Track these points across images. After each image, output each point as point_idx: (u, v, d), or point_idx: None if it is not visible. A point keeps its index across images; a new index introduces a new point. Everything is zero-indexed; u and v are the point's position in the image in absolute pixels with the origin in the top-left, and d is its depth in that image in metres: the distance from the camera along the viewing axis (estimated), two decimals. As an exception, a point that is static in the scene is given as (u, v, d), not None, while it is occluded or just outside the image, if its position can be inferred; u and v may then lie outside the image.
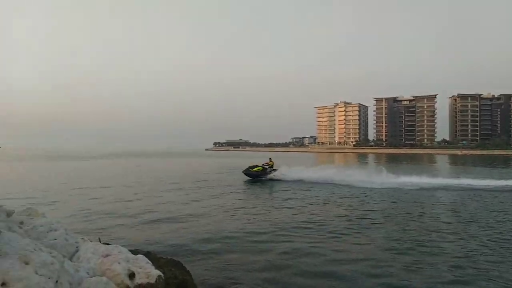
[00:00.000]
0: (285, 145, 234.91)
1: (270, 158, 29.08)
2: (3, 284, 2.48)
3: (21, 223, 4.37)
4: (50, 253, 3.11)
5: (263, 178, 26.82)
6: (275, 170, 27.68)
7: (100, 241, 5.10)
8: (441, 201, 17.37)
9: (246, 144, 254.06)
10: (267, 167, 27.66)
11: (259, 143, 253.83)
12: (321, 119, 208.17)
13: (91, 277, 3.41)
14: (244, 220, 12.27)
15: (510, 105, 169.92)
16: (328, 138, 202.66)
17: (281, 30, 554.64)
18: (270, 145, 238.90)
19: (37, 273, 2.68)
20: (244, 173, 27.55)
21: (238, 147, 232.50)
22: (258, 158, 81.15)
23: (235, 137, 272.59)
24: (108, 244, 4.68)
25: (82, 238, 4.78)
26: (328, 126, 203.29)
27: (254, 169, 27.46)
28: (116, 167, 44.85)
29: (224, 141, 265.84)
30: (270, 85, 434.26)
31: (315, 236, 10.01)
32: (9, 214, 4.49)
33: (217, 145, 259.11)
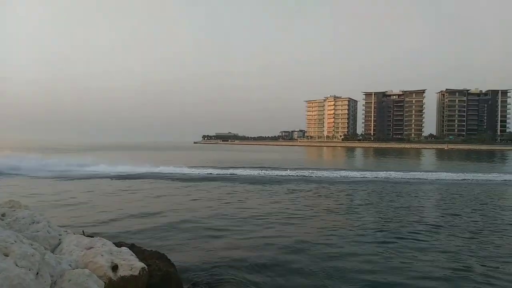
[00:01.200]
0: (274, 138, 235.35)
1: None
2: (-18, 276, 2.47)
3: (3, 215, 4.34)
4: (31, 245, 3.10)
5: None
6: None
7: (84, 234, 5.09)
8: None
9: (235, 137, 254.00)
10: None
11: (248, 137, 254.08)
12: (310, 113, 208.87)
13: (73, 269, 3.41)
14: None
15: (497, 101, 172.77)
16: (317, 132, 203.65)
17: (273, 25, 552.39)
18: (259, 138, 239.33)
19: (17, 265, 2.67)
20: None
21: (227, 140, 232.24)
22: (245, 152, 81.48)
23: (224, 131, 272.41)
24: (92, 237, 4.67)
25: (66, 231, 4.77)
26: (317, 120, 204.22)
27: None
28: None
29: (214, 134, 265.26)
30: (261, 79, 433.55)
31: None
32: (-10, 206, 4.45)
33: (206, 138, 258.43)
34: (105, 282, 3.44)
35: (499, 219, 12.00)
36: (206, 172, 26.30)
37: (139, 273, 3.84)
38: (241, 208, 13.35)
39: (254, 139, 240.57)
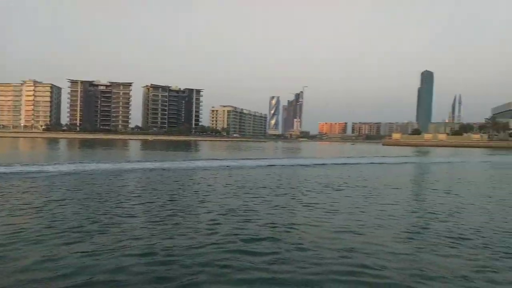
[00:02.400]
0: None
1: None
2: None
3: None
4: None
5: None
6: None
7: None
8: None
9: None
10: None
11: None
12: (3, 97, 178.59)
13: None
14: None
15: (192, 98, 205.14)
16: (12, 121, 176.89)
17: None
18: None
19: None
20: None
21: None
22: None
23: None
24: None
25: None
26: (12, 106, 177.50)
27: None
28: None
29: None
30: None
31: None
32: None
33: None
34: None
35: (193, 201, 13.63)
36: None
37: None
38: None
39: None
